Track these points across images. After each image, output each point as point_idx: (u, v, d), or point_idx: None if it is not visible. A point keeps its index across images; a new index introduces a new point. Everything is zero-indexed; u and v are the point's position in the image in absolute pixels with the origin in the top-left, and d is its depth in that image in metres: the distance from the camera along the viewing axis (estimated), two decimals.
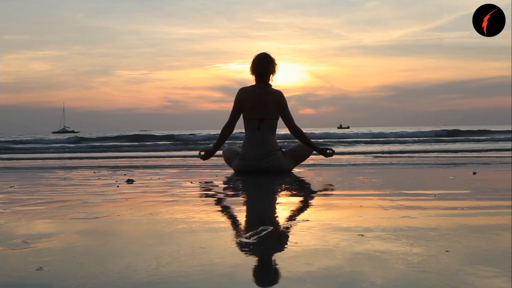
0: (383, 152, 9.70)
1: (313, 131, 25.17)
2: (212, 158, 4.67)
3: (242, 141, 4.39)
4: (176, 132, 25.18)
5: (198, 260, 1.26)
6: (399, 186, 3.15)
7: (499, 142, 14.59)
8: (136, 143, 17.05)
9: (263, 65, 4.22)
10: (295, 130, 4.35)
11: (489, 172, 4.36)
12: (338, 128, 62.11)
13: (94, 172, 4.76)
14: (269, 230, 1.64)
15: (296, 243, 1.45)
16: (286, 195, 2.78)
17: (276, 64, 4.27)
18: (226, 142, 4.56)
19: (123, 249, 1.43)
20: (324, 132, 23.48)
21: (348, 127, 64.40)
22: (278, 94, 4.26)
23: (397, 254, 1.29)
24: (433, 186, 3.12)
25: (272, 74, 4.26)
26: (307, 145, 4.39)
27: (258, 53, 4.30)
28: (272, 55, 4.29)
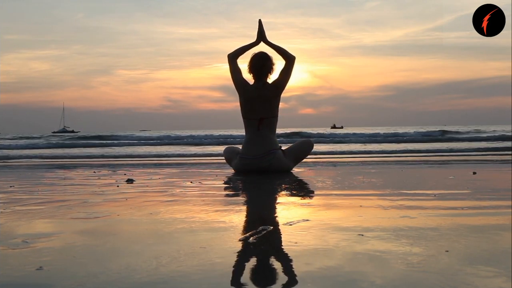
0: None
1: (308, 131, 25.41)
2: (211, 158, 4.66)
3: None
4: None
5: (198, 260, 1.26)
6: (399, 186, 3.15)
7: None
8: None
9: (261, 63, 4.21)
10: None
11: (489, 172, 4.36)
12: (332, 128, 62.57)
13: (94, 172, 4.76)
14: (269, 230, 1.64)
15: (296, 243, 1.45)
16: (286, 195, 2.78)
17: (274, 63, 4.26)
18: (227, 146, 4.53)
19: (123, 249, 1.43)
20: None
21: (341, 127, 64.95)
22: (273, 83, 4.23)
23: (397, 254, 1.29)
24: (433, 186, 3.11)
25: (270, 72, 4.25)
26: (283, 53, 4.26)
27: (256, 51, 4.30)
28: (270, 54, 4.28)
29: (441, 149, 10.92)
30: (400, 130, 28.59)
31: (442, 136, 18.88)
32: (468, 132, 21.84)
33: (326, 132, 23.20)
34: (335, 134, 21.33)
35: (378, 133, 20.38)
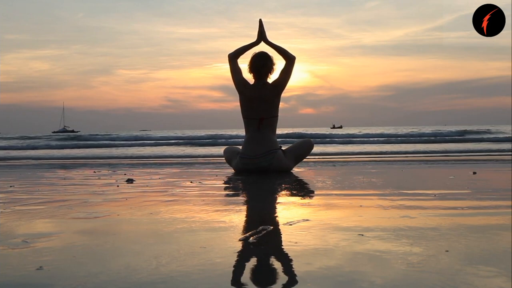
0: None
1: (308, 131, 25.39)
2: (212, 158, 4.65)
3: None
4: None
5: (198, 259, 1.26)
6: (399, 186, 3.15)
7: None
8: None
9: (261, 62, 4.21)
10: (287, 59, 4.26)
11: (489, 172, 4.36)
12: (332, 128, 62.97)
13: (94, 172, 4.76)
14: (269, 229, 1.64)
15: (296, 243, 1.45)
16: (286, 195, 2.78)
17: (274, 63, 4.26)
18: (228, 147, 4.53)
19: (123, 249, 1.43)
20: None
21: (340, 127, 65.27)
22: (273, 83, 4.23)
23: (397, 254, 1.29)
24: (433, 186, 3.11)
25: (270, 72, 4.25)
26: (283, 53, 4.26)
27: (256, 51, 4.30)
28: (270, 54, 4.28)
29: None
30: (404, 130, 28.46)
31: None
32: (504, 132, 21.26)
33: (332, 133, 22.98)
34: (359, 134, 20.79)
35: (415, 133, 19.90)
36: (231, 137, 19.55)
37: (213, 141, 17.53)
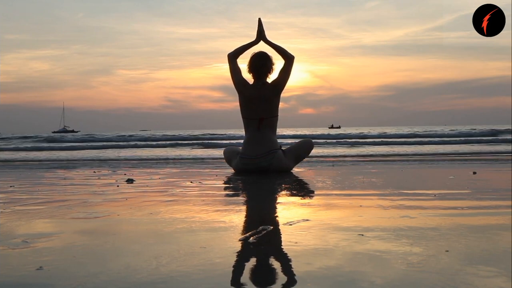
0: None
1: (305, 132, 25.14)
2: (212, 158, 4.65)
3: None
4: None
5: (198, 259, 1.26)
6: (399, 186, 3.15)
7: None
8: None
9: (260, 62, 4.21)
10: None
11: (489, 172, 4.36)
12: (330, 128, 63.00)
13: (94, 172, 4.76)
14: (269, 229, 1.64)
15: (296, 243, 1.45)
16: (286, 195, 2.78)
17: (273, 63, 4.26)
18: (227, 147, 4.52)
19: (123, 249, 1.43)
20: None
21: (339, 127, 65.28)
22: (273, 83, 4.23)
23: (397, 254, 1.29)
24: (433, 186, 3.11)
25: (270, 72, 4.24)
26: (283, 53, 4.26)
27: (256, 51, 4.30)
28: (270, 53, 4.28)
29: None
30: (406, 129, 27.79)
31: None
32: None
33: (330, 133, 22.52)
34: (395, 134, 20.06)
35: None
36: (229, 137, 19.43)
37: (210, 142, 17.44)
